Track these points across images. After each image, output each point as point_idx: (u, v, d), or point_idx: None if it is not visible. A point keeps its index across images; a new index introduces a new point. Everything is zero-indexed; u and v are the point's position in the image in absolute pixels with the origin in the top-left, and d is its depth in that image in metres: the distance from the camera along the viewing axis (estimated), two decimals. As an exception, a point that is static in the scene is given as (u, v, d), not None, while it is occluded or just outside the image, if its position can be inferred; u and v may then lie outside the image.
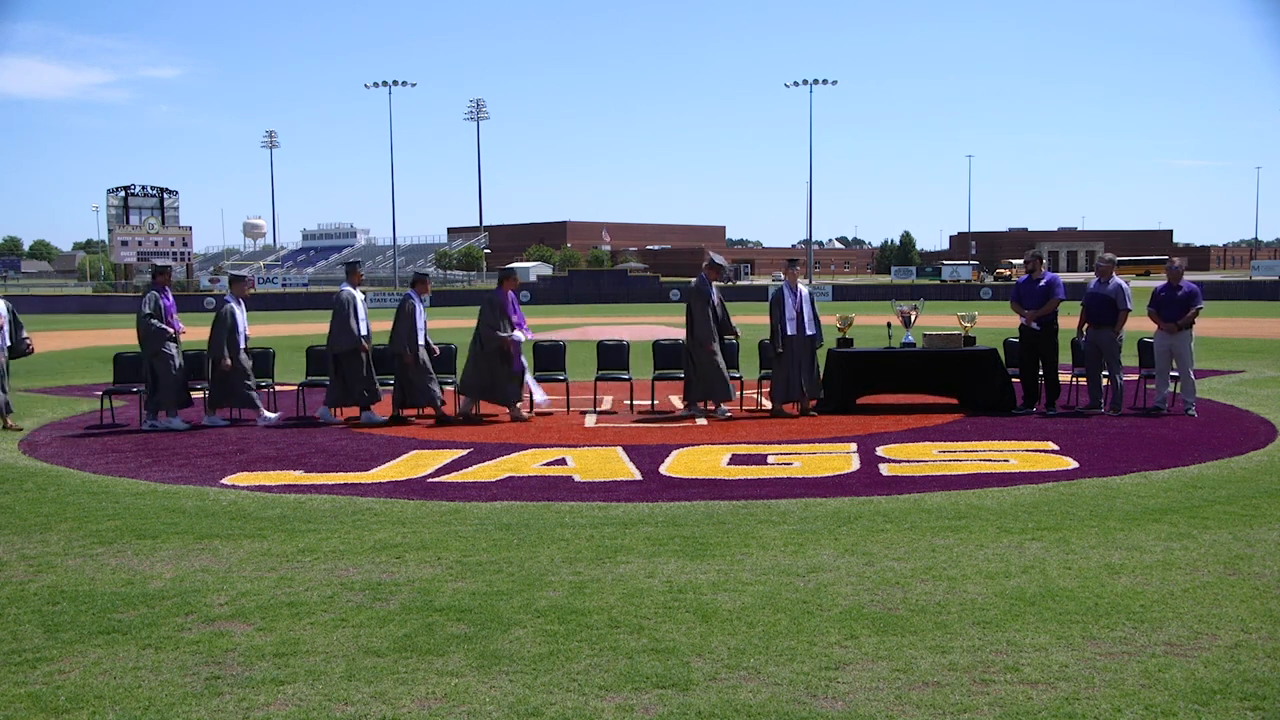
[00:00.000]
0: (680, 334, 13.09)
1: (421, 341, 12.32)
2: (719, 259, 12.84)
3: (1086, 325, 12.22)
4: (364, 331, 12.32)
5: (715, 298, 12.33)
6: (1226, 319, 32.54)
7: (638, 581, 5.83)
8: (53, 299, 59.99)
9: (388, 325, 12.49)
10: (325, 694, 4.36)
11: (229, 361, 12.07)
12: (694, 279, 12.71)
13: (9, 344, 12.40)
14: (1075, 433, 10.84)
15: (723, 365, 12.17)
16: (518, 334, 12.41)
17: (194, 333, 12.77)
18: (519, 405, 12.40)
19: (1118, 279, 12.21)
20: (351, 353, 12.29)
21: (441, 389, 12.40)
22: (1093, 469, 8.94)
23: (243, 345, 12.29)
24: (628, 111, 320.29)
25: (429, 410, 12.44)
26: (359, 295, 12.52)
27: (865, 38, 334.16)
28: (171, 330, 12.04)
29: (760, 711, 4.15)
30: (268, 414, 12.34)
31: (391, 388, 12.43)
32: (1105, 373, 12.22)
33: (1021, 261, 12.91)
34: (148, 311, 11.95)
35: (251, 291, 12.69)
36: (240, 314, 12.33)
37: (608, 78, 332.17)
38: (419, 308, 12.41)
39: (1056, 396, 12.31)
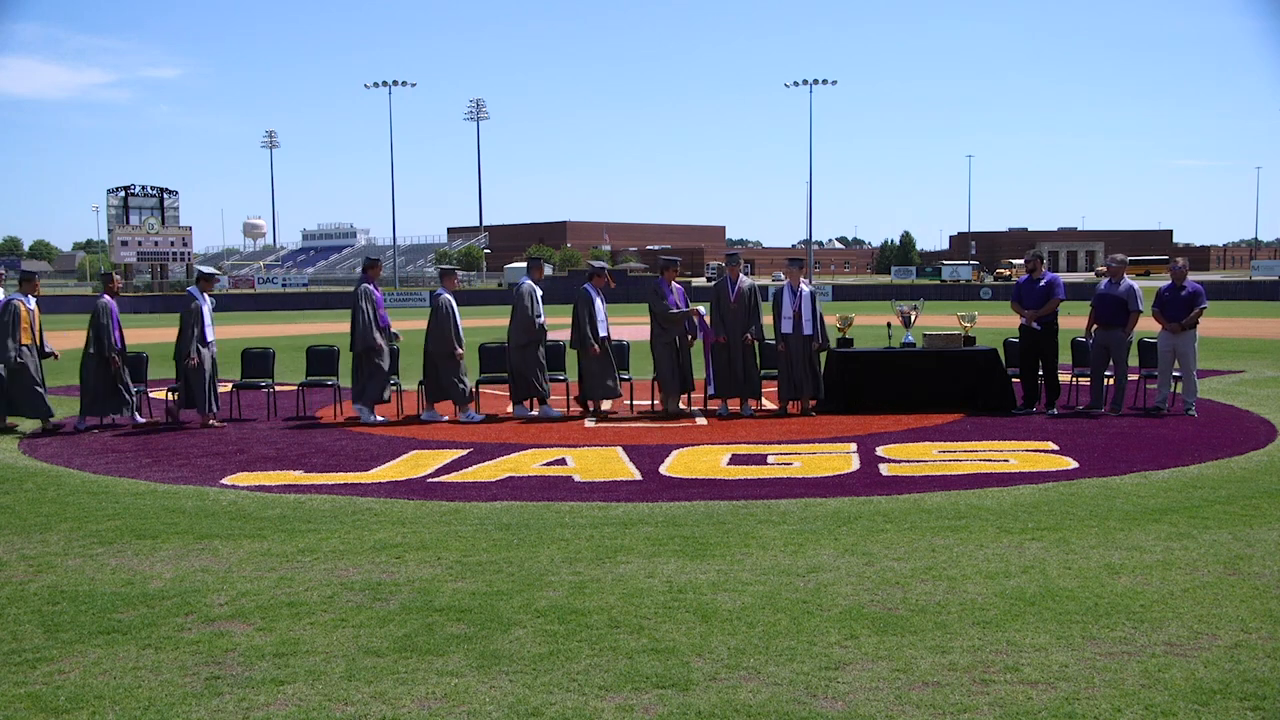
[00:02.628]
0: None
1: (604, 334, 12.42)
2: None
3: (1095, 326, 12.21)
4: (543, 322, 12.58)
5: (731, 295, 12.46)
6: (1226, 319, 32.53)
7: (638, 581, 5.83)
8: (53, 299, 59.91)
9: (405, 324, 12.49)
10: (325, 694, 4.36)
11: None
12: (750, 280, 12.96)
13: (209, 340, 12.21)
14: (1075, 433, 10.84)
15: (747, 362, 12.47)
16: (700, 306, 12.56)
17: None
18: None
19: (1129, 280, 12.23)
20: (529, 345, 12.41)
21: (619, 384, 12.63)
22: (1093, 469, 8.94)
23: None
24: (627, 111, 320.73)
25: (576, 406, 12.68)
26: (539, 289, 12.65)
27: (865, 38, 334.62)
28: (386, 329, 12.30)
29: (760, 711, 4.15)
30: (474, 413, 12.34)
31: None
32: (1108, 373, 12.22)
33: (1022, 261, 12.93)
34: (371, 313, 12.16)
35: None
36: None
37: (607, 78, 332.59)
38: (596, 299, 12.51)
39: (1056, 397, 12.32)
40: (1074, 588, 5.64)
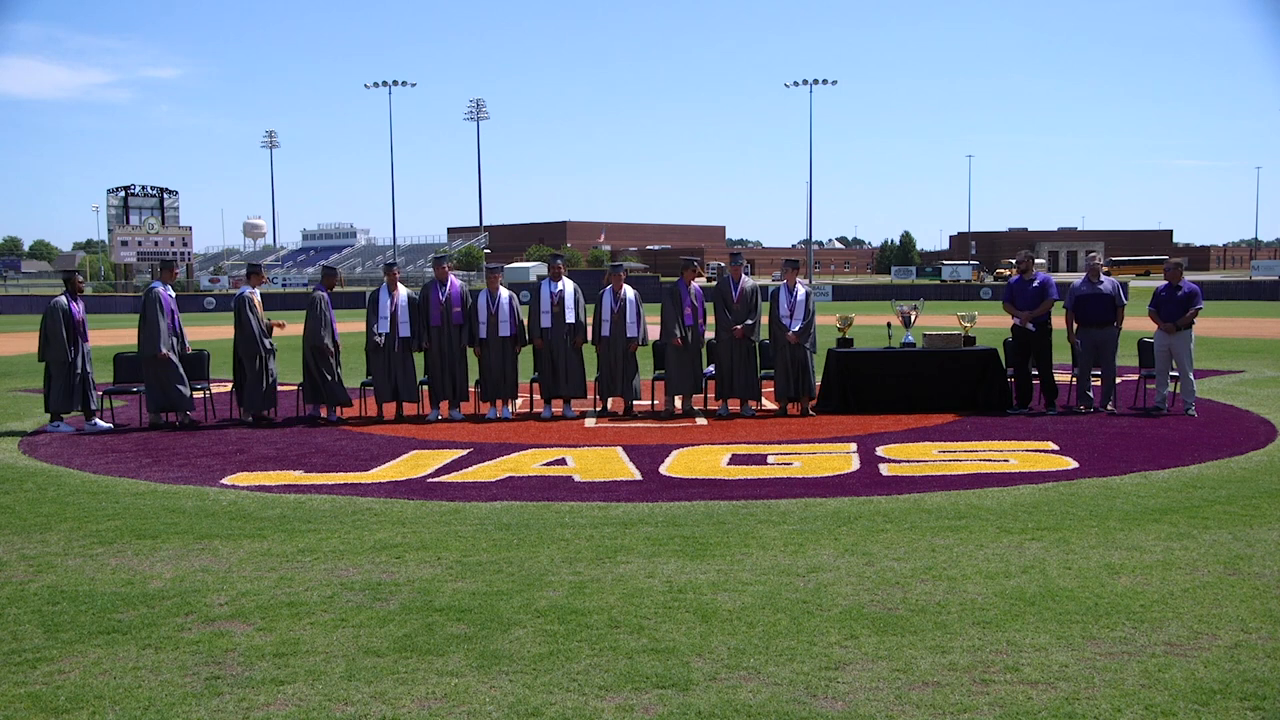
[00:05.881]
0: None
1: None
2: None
3: (1076, 325, 12.25)
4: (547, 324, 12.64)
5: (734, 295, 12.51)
6: (1226, 319, 32.53)
7: (638, 581, 5.83)
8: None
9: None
10: (325, 694, 4.36)
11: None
12: (753, 279, 12.98)
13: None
14: (1075, 433, 10.84)
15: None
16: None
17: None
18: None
19: (1109, 278, 12.33)
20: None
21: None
22: (1093, 469, 8.94)
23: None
24: (627, 112, 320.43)
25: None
26: (327, 296, 12.54)
27: (865, 38, 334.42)
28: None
29: (760, 711, 4.15)
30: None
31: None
32: (1096, 372, 12.26)
33: (1015, 261, 12.94)
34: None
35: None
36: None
37: (607, 78, 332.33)
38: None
39: (1055, 396, 12.31)
40: (1074, 588, 5.64)
